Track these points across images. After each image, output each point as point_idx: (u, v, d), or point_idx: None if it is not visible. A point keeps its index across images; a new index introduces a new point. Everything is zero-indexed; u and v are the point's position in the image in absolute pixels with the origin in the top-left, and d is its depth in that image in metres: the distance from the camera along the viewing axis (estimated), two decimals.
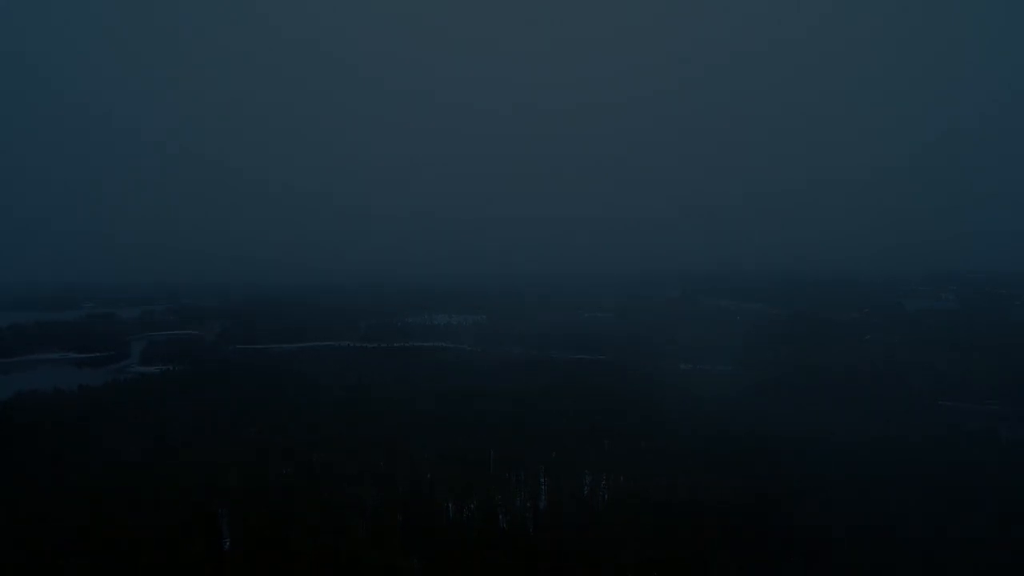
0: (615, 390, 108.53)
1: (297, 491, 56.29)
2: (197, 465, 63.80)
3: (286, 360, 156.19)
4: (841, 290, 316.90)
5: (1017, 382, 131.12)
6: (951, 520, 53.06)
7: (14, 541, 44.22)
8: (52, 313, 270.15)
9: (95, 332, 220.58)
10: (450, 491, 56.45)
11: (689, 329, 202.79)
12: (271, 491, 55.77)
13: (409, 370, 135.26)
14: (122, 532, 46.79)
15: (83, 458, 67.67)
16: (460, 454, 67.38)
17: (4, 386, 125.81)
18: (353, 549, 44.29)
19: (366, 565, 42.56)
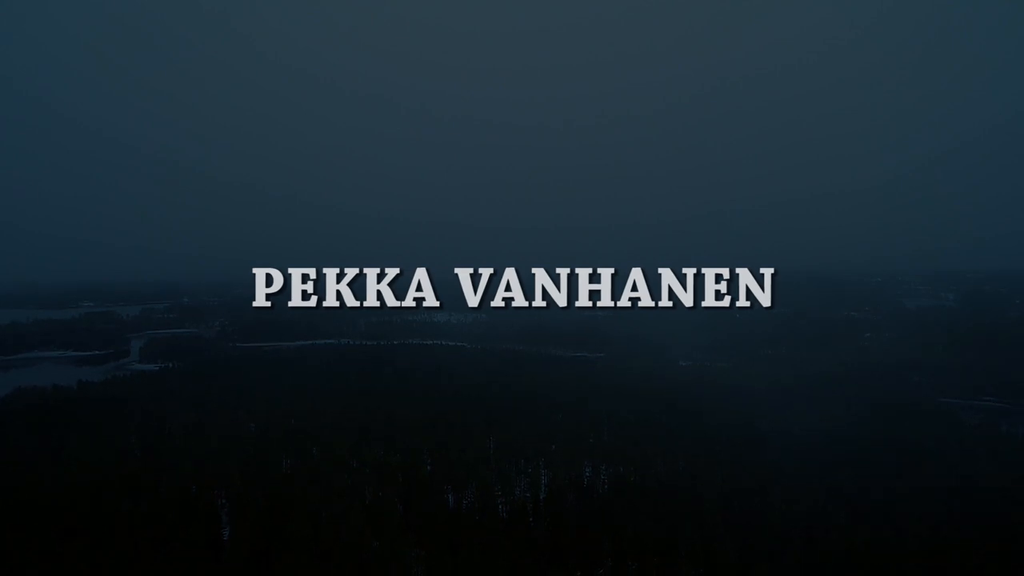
0: (614, 386, 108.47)
1: (297, 482, 56.22)
2: (197, 457, 63.72)
3: (286, 357, 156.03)
4: (842, 289, 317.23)
5: (1016, 379, 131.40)
6: (953, 513, 53.00)
7: (14, 531, 44.09)
8: (51, 312, 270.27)
9: (94, 330, 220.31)
10: (450, 481, 56.49)
11: (689, 328, 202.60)
12: (271, 482, 55.66)
13: (409, 366, 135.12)
14: (122, 522, 46.81)
15: (81, 450, 67.57)
16: (460, 445, 67.32)
17: (3, 383, 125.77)
18: (353, 538, 44.25)
19: (366, 554, 42.54)
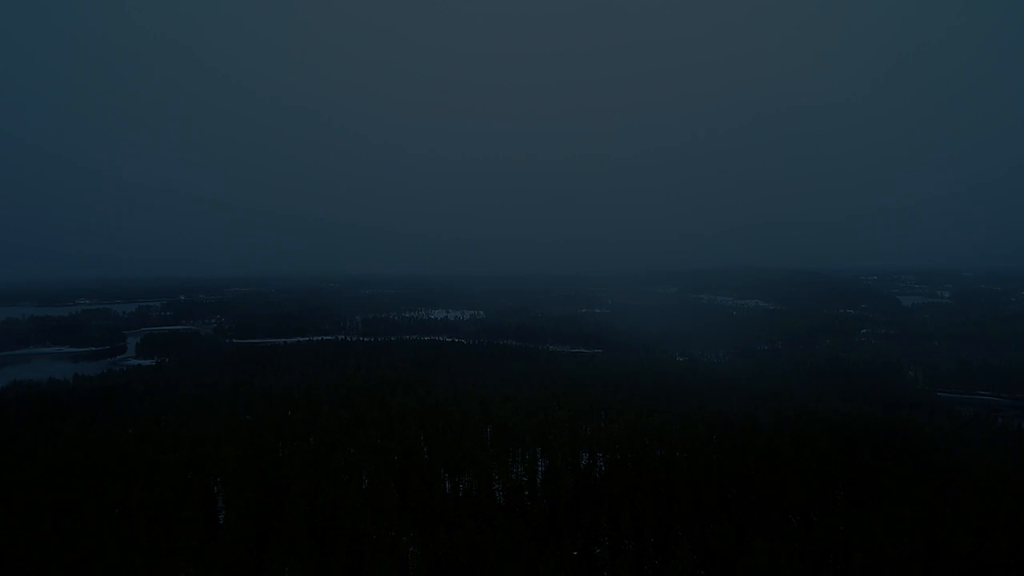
0: (612, 379, 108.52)
1: (293, 468, 55.99)
2: (193, 445, 63.47)
3: (283, 352, 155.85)
4: (838, 287, 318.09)
5: (1011, 374, 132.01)
6: (952, 505, 52.95)
7: (11, 520, 43.89)
8: (48, 309, 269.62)
9: (91, 327, 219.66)
10: (447, 467, 56.42)
11: (687, 324, 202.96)
12: (266, 467, 55.47)
13: (406, 361, 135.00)
14: (118, 506, 46.70)
15: (77, 438, 67.31)
16: (456, 433, 67.20)
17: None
18: (350, 522, 44.12)
19: (363, 538, 42.44)
